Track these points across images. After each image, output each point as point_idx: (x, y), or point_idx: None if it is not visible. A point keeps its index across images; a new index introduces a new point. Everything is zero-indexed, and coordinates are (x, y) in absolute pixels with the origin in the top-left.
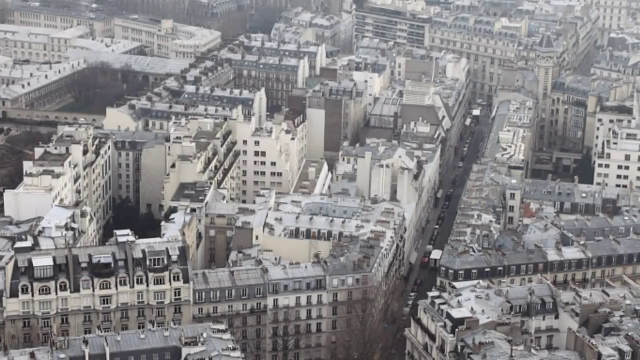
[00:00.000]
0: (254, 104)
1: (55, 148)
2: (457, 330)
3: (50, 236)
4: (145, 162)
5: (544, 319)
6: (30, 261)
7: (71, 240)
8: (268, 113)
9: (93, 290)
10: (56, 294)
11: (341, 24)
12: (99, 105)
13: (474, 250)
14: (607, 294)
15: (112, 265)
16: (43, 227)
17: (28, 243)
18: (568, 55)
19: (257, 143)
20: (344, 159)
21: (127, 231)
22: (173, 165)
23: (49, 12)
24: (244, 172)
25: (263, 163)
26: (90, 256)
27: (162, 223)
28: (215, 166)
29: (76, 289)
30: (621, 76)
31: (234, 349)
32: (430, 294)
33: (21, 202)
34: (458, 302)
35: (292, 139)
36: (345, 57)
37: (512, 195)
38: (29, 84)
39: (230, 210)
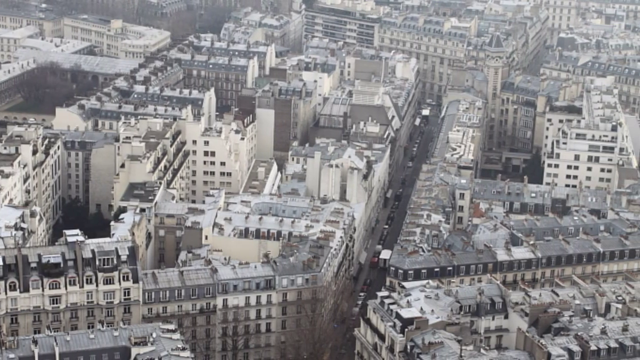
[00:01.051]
0: (204, 104)
1: (5, 148)
2: (406, 330)
3: None
4: (94, 162)
5: (493, 319)
6: None
7: (20, 240)
8: (217, 113)
9: (42, 290)
10: (5, 294)
11: (291, 24)
12: (48, 105)
13: (423, 250)
14: (557, 294)
15: (62, 265)
16: None
17: None
18: (517, 55)
19: (206, 143)
20: (293, 159)
21: (77, 231)
22: (122, 165)
23: None
24: (194, 172)
25: (212, 163)
26: (39, 256)
27: (112, 223)
28: (165, 166)
29: (25, 289)
30: (570, 76)
31: (183, 349)
32: (379, 294)
33: None
34: (407, 302)
35: (242, 139)
36: (295, 57)
37: (462, 195)
38: None
39: (180, 210)
